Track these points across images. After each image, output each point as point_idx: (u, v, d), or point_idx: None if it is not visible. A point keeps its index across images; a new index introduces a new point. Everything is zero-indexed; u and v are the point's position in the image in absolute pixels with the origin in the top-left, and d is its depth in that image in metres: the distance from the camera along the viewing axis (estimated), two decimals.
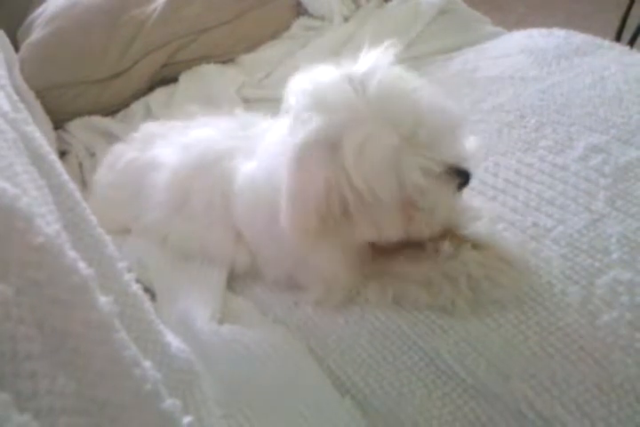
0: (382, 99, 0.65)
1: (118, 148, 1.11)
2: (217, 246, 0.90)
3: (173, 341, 0.69)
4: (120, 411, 0.46)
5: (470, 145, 0.74)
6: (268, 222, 0.77)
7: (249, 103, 1.39)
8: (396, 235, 0.71)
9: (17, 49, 1.49)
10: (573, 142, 0.97)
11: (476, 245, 0.77)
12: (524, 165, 0.95)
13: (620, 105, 1.02)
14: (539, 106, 1.08)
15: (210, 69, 1.51)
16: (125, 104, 1.51)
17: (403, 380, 0.70)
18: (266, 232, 0.81)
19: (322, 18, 1.64)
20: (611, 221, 0.81)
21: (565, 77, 1.15)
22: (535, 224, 0.84)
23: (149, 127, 1.12)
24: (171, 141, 1.00)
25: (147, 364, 0.50)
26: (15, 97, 0.77)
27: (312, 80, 0.69)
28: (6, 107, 0.64)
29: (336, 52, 1.43)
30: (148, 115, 1.44)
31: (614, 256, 0.76)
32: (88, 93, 1.47)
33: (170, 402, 0.51)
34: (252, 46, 1.58)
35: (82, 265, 0.46)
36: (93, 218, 0.62)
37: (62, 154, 1.41)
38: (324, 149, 0.65)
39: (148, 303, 0.65)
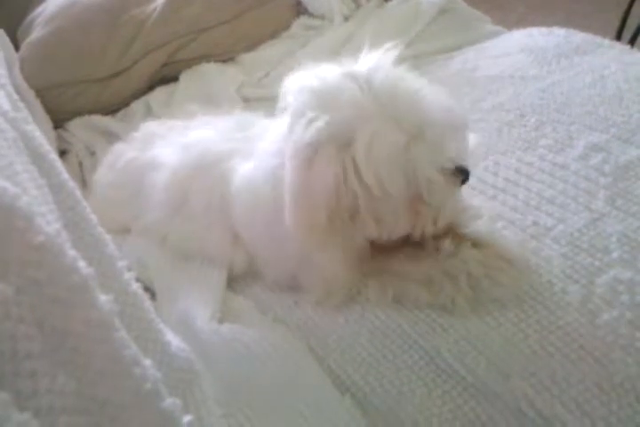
0: (388, 97, 0.66)
1: (118, 147, 1.11)
2: (215, 247, 0.90)
3: (173, 340, 0.69)
4: (120, 410, 0.46)
5: (469, 143, 0.74)
6: (268, 223, 0.77)
7: (249, 102, 1.39)
8: (402, 231, 0.72)
9: (17, 48, 1.49)
10: (573, 141, 0.97)
11: (477, 244, 0.77)
12: (524, 163, 0.95)
13: (620, 104, 1.02)
14: (539, 105, 1.08)
15: (210, 68, 1.51)
16: (125, 103, 1.51)
17: (403, 378, 0.70)
18: (265, 233, 0.81)
19: (322, 17, 1.64)
20: (611, 220, 0.81)
21: (565, 76, 1.15)
22: (535, 223, 0.84)
23: (149, 127, 1.12)
24: (170, 142, 1.00)
25: (147, 363, 0.50)
26: (15, 96, 0.77)
27: (315, 78, 0.69)
28: (6, 106, 0.64)
29: (336, 52, 1.43)
30: (149, 114, 1.44)
31: (614, 255, 0.76)
32: (88, 92, 1.47)
33: (170, 401, 0.51)
34: (251, 46, 1.58)
35: (82, 264, 0.46)
36: (93, 217, 0.62)
37: (62, 153, 1.41)
38: (333, 146, 0.65)
39: (148, 302, 0.65)
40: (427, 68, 1.32)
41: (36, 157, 0.59)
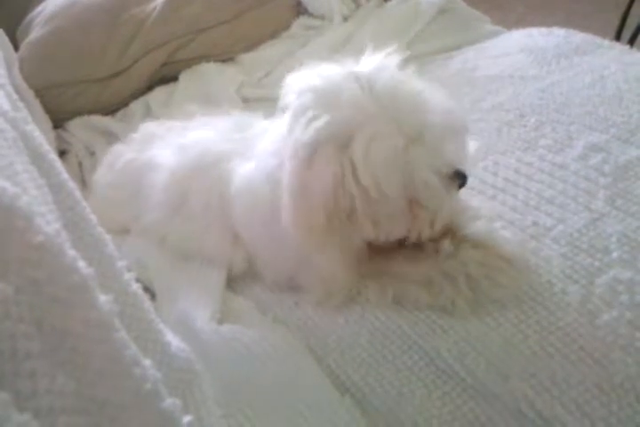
0: (389, 98, 0.66)
1: (117, 148, 1.11)
2: (215, 247, 0.90)
3: (173, 340, 0.69)
4: (120, 410, 0.46)
5: (469, 146, 0.74)
6: (268, 223, 0.77)
7: (248, 102, 1.39)
8: (399, 233, 0.72)
9: (16, 48, 1.49)
10: (573, 141, 0.97)
11: (476, 245, 0.77)
12: (524, 163, 0.95)
13: (619, 104, 1.02)
14: (538, 105, 1.08)
15: (209, 68, 1.51)
16: (125, 103, 1.51)
17: (402, 379, 0.70)
18: (265, 233, 0.81)
19: (322, 17, 1.64)
20: (611, 220, 0.81)
21: (565, 76, 1.15)
22: (535, 223, 0.84)
23: (148, 127, 1.12)
24: (169, 142, 1.00)
25: (147, 363, 0.50)
26: (14, 96, 0.77)
27: (317, 77, 0.69)
28: (6, 106, 0.64)
29: (336, 52, 1.43)
30: (148, 114, 1.44)
31: (614, 255, 0.76)
32: (88, 92, 1.47)
33: (170, 401, 0.51)
34: (251, 46, 1.58)
35: (81, 264, 0.45)
36: (93, 217, 0.62)
37: (62, 153, 1.41)
38: (332, 146, 0.65)
39: (147, 303, 0.65)
40: (426, 67, 1.32)
41: (36, 157, 0.59)
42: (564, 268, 0.76)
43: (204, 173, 0.88)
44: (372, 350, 0.74)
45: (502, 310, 0.73)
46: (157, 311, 0.70)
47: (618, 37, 1.91)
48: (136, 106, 1.49)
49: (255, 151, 0.82)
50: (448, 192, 0.70)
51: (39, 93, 1.41)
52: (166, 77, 1.54)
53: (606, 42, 1.26)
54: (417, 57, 1.38)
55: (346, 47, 1.47)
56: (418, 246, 0.77)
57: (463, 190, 0.74)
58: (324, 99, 0.67)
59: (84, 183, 1.27)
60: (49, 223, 0.45)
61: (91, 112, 1.48)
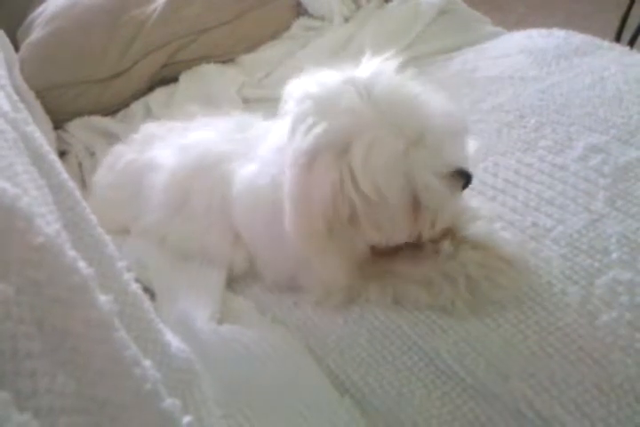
0: (387, 103, 0.66)
1: (118, 149, 1.12)
2: (215, 247, 0.90)
3: (173, 340, 0.69)
4: (120, 410, 0.46)
5: (469, 146, 0.74)
6: (268, 224, 0.78)
7: (249, 103, 1.39)
8: (401, 237, 0.72)
9: (17, 49, 1.49)
10: (573, 142, 0.97)
11: (476, 246, 0.77)
12: (524, 165, 0.95)
13: (619, 105, 1.02)
14: (538, 106, 1.08)
15: (210, 69, 1.51)
16: (125, 104, 1.51)
17: (402, 379, 0.70)
18: (265, 234, 0.81)
19: (322, 18, 1.64)
20: (610, 221, 0.81)
21: (565, 78, 1.15)
22: (535, 224, 0.84)
23: (149, 128, 1.12)
24: (169, 143, 1.00)
25: (146, 363, 0.50)
26: (15, 97, 0.77)
27: (315, 85, 0.69)
28: (6, 107, 0.64)
29: (336, 53, 1.44)
30: (148, 115, 1.44)
31: (614, 256, 0.76)
32: (88, 93, 1.47)
33: (169, 402, 0.51)
34: (252, 46, 1.58)
35: (82, 264, 0.46)
36: (93, 217, 0.62)
37: (62, 154, 1.41)
38: (330, 153, 0.65)
39: (147, 303, 0.65)
40: (426, 68, 1.32)
41: (36, 158, 0.59)
42: (564, 269, 0.76)
43: (206, 174, 0.88)
44: (371, 351, 0.74)
45: (502, 311, 0.73)
46: (157, 311, 0.70)
47: (618, 38, 1.91)
48: (137, 107, 1.49)
49: (257, 152, 0.82)
50: (452, 193, 0.69)
51: (40, 94, 1.41)
52: (167, 78, 1.54)
53: (606, 43, 1.26)
54: (417, 58, 1.39)
55: (346, 48, 1.47)
56: (417, 247, 0.77)
57: (465, 191, 0.74)
58: (323, 106, 0.67)
59: (84, 184, 1.27)
60: (49, 224, 0.46)
61: (91, 113, 1.48)
